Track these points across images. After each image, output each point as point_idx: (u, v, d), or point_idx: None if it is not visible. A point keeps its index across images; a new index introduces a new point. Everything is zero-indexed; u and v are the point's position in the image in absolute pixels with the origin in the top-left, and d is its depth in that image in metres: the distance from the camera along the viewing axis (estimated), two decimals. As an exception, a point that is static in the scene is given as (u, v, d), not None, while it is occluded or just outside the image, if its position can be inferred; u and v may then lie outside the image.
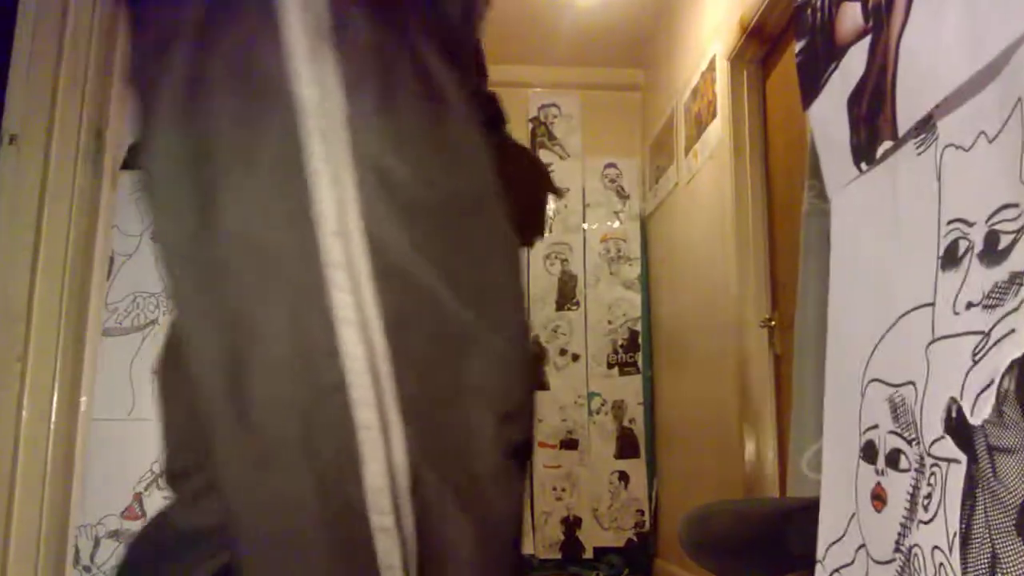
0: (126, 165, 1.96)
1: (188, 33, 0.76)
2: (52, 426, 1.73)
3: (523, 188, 1.10)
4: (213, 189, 0.74)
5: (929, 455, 0.77)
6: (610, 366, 4.20)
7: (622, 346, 4.20)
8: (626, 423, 4.15)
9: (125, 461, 1.82)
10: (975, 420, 0.70)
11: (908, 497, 0.81)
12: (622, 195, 4.40)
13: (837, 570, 0.93)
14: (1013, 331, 0.67)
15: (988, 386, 0.69)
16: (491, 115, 1.07)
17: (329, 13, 0.73)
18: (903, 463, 0.83)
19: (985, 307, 0.71)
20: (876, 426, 0.88)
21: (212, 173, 0.74)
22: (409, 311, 0.73)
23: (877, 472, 0.87)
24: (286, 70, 0.71)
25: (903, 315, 0.84)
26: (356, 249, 0.71)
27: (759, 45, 2.86)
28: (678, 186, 3.70)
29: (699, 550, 1.51)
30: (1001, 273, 0.69)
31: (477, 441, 0.75)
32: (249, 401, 0.73)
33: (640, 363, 4.18)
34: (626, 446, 4.13)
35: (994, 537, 0.66)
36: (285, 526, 0.74)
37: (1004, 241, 0.69)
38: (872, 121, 0.90)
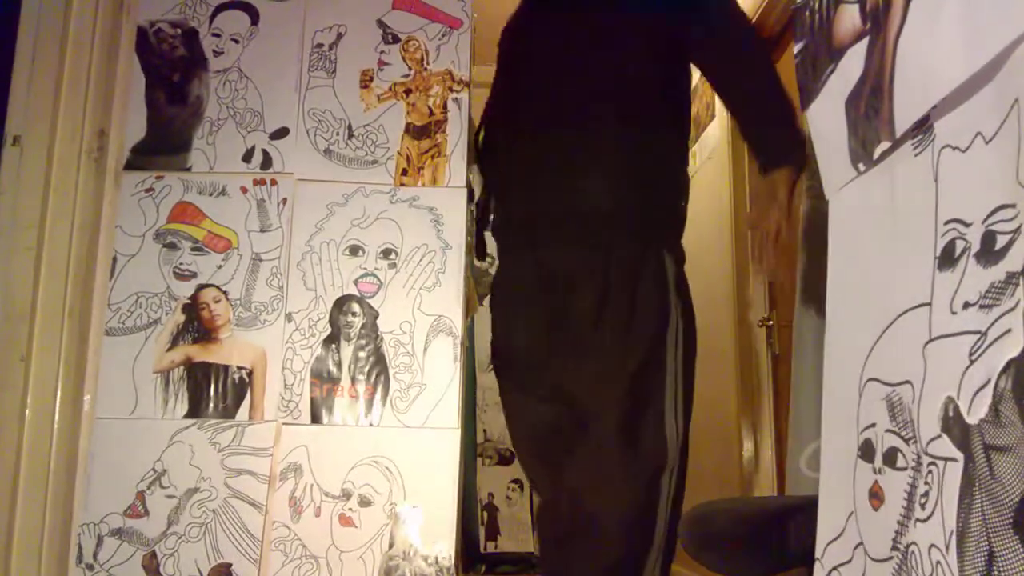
0: (129, 165, 1.96)
1: None
2: (55, 425, 1.73)
3: None
4: None
5: (926, 454, 0.77)
6: (609, 366, 4.20)
7: (621, 346, 4.20)
8: (625, 423, 4.15)
9: (128, 460, 1.82)
10: (972, 419, 0.70)
11: (905, 495, 0.81)
12: (621, 195, 4.40)
13: (836, 568, 0.94)
14: (1009, 331, 0.67)
15: (985, 385, 0.69)
16: None
17: None
18: (900, 462, 0.83)
19: (982, 307, 0.71)
20: (873, 425, 0.88)
21: None
22: None
23: (875, 471, 0.88)
24: None
25: (900, 315, 0.84)
26: None
27: (758, 46, 2.86)
28: (677, 186, 3.70)
29: (698, 548, 1.51)
30: (998, 273, 0.70)
31: None
32: None
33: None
34: (625, 446, 4.13)
35: (991, 535, 0.67)
36: None
37: (1001, 241, 0.70)
38: (870, 122, 0.90)
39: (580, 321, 1.68)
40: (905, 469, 0.82)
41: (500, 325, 1.92)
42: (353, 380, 1.89)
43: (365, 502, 1.82)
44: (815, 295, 1.73)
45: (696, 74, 3.36)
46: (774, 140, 1.62)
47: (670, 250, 1.74)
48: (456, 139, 2.00)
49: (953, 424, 0.73)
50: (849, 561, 0.91)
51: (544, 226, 1.73)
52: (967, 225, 0.74)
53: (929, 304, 0.79)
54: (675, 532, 1.68)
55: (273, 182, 1.97)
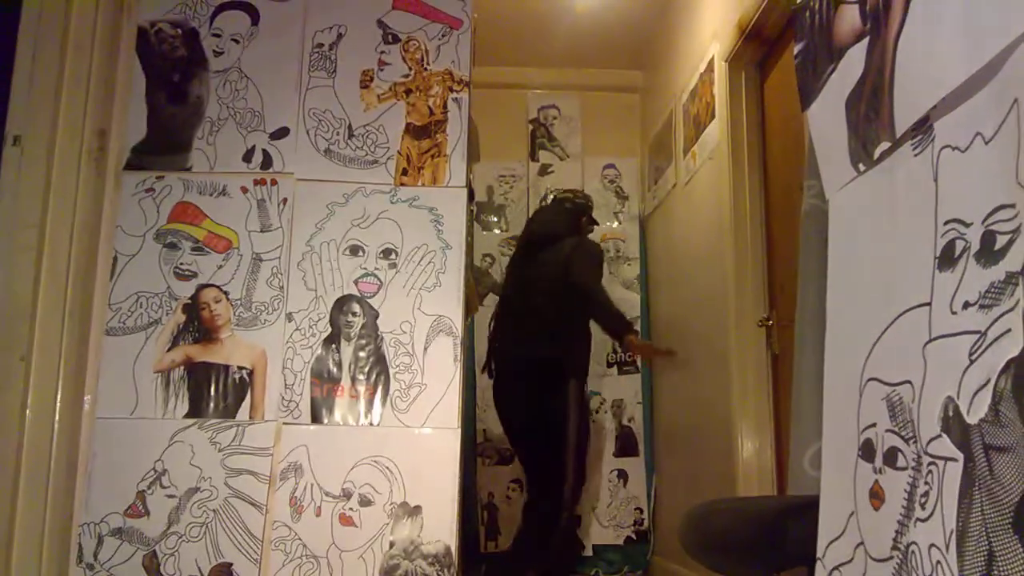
0: (129, 165, 1.96)
1: None
2: (56, 425, 1.73)
3: None
4: None
5: (926, 453, 0.78)
6: (609, 365, 4.20)
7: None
8: (625, 422, 4.15)
9: (128, 459, 1.82)
10: (972, 419, 0.70)
11: (905, 495, 0.81)
12: (621, 196, 4.41)
13: (837, 567, 0.94)
14: (1009, 330, 0.67)
15: (985, 385, 0.69)
16: None
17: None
18: (900, 461, 0.83)
19: (981, 307, 0.71)
20: (874, 424, 0.88)
21: None
22: None
23: (875, 470, 0.88)
24: None
25: (901, 314, 0.84)
26: None
27: (757, 47, 2.86)
28: (676, 187, 3.70)
29: (699, 548, 1.51)
30: (997, 273, 0.70)
31: None
32: None
33: (639, 362, 4.19)
34: (625, 445, 4.13)
35: (991, 535, 0.67)
36: None
37: (1000, 241, 0.70)
38: (870, 122, 0.90)
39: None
40: (905, 469, 0.82)
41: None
42: (353, 380, 1.89)
43: (365, 502, 1.82)
44: (815, 295, 1.73)
45: (695, 74, 3.38)
46: (621, 329, 3.46)
47: (577, 376, 3.43)
48: (456, 139, 2.00)
49: (953, 424, 0.73)
50: (850, 560, 0.91)
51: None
52: (967, 225, 0.74)
53: (929, 304, 0.79)
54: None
55: (273, 182, 1.97)
